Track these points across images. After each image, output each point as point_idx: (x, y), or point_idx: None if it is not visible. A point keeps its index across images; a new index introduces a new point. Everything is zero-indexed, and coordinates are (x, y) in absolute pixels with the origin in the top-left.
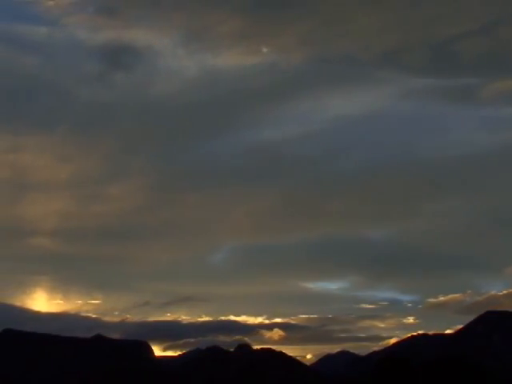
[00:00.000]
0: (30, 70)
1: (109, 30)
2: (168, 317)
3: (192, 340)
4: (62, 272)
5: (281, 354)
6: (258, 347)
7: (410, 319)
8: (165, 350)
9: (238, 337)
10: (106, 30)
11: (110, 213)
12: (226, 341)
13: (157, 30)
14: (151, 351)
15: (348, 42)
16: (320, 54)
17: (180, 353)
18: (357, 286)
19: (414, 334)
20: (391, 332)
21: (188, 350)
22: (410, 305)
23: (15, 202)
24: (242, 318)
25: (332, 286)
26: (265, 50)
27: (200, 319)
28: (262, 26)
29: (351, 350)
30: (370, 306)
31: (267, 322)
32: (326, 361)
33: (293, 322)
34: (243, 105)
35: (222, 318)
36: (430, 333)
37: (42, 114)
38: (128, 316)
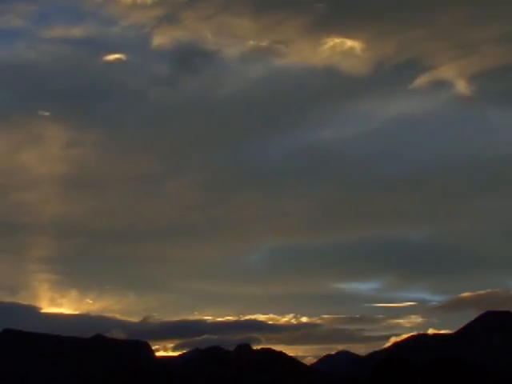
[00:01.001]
0: (102, 70)
1: (178, 32)
2: (194, 316)
3: (198, 339)
4: (99, 271)
5: (281, 353)
6: (258, 347)
7: (434, 319)
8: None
9: (258, 335)
10: (176, 32)
11: (160, 211)
12: (254, 338)
13: (224, 32)
14: (151, 351)
15: (410, 46)
16: (382, 57)
17: (180, 353)
18: (389, 286)
19: (414, 333)
20: (411, 331)
21: (188, 350)
22: (436, 304)
23: (67, 199)
24: (268, 317)
25: (364, 286)
26: (328, 51)
27: (224, 318)
28: (326, 27)
29: (351, 350)
30: (397, 306)
31: (294, 321)
32: (325, 361)
33: (318, 321)
34: (304, 105)
35: (250, 317)
36: (430, 333)
37: (110, 112)
38: (154, 315)
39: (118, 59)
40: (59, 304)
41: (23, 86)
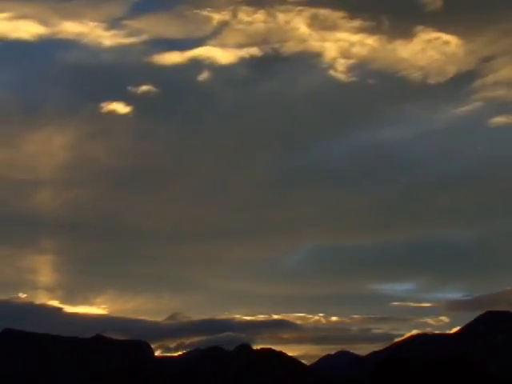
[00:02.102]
0: (181, 71)
1: (254, 37)
2: (224, 314)
3: (204, 338)
4: (137, 272)
5: (281, 353)
6: (258, 347)
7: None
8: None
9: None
10: (252, 37)
11: (209, 211)
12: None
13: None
14: (151, 351)
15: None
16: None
17: (180, 353)
18: (423, 287)
19: (414, 333)
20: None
21: (188, 350)
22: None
23: (117, 198)
24: (297, 317)
25: (398, 287)
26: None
27: (253, 317)
28: (381, 31)
29: (351, 350)
30: (427, 306)
31: (324, 321)
32: (325, 361)
33: (348, 321)
34: (365, 105)
35: (278, 316)
36: (430, 333)
37: (187, 111)
38: (182, 314)
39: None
40: (92, 303)
41: (94, 80)
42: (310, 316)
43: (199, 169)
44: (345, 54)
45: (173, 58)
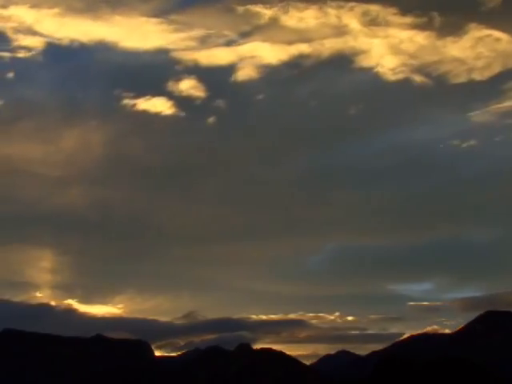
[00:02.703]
0: (226, 68)
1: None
2: (240, 314)
3: (212, 336)
4: (159, 272)
5: (281, 353)
6: (258, 347)
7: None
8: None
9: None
10: (302, 33)
11: (238, 210)
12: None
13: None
14: (151, 351)
15: None
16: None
17: (180, 353)
18: (441, 287)
19: (414, 333)
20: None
21: (188, 350)
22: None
23: (147, 196)
24: (312, 316)
25: (416, 287)
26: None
27: (268, 317)
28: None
29: (351, 350)
30: (442, 305)
31: (339, 321)
32: (325, 361)
33: (364, 320)
34: (405, 103)
35: (292, 315)
36: (430, 333)
37: (227, 108)
38: (194, 315)
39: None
40: (109, 303)
41: (135, 76)
42: (327, 315)
43: (228, 169)
44: (392, 51)
45: (218, 53)
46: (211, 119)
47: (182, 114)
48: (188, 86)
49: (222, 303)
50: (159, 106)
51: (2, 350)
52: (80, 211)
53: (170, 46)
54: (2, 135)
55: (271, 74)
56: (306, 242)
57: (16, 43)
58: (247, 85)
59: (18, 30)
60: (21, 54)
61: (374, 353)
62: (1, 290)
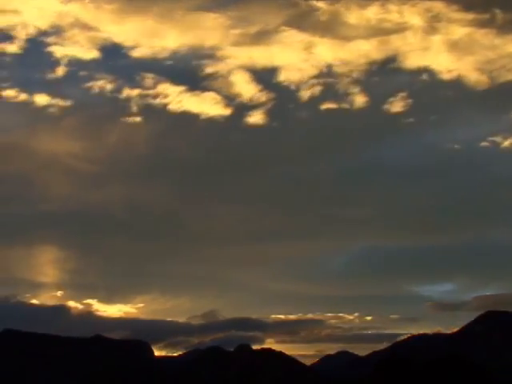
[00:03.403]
0: None
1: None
2: (259, 314)
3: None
4: (184, 273)
5: (281, 354)
6: (258, 347)
7: None
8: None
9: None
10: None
11: (266, 211)
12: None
13: None
14: (151, 351)
15: None
16: None
17: (180, 353)
18: (461, 288)
19: (415, 333)
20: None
21: (188, 350)
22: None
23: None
24: (330, 316)
25: (436, 288)
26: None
27: (285, 317)
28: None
29: (351, 350)
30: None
31: (358, 321)
32: (325, 361)
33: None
34: (451, 102)
35: (310, 315)
36: (430, 333)
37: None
38: (212, 316)
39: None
40: (129, 303)
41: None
42: (346, 316)
43: (257, 169)
44: (450, 49)
45: (272, 49)
46: (252, 119)
47: (228, 112)
48: (235, 83)
49: (243, 303)
50: (199, 103)
51: (2, 350)
52: (110, 210)
53: (224, 42)
54: (47, 131)
55: (324, 73)
56: (331, 242)
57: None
58: (295, 84)
59: (73, 25)
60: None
61: (373, 353)
62: (22, 290)
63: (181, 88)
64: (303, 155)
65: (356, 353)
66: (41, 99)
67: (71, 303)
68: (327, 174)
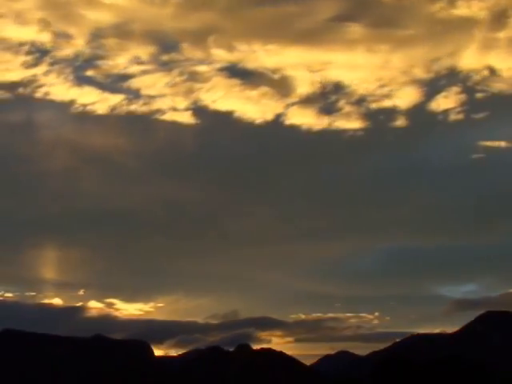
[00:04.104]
0: None
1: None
2: (276, 314)
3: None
4: (211, 273)
5: (281, 353)
6: (258, 347)
7: None
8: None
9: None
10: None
11: (294, 212)
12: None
13: None
14: (151, 351)
15: None
16: None
17: (180, 353)
18: (484, 288)
19: (414, 333)
20: None
21: (188, 349)
22: None
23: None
24: (347, 316)
25: (459, 288)
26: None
27: (304, 317)
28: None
29: (351, 350)
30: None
31: (377, 321)
32: (325, 361)
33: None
34: (501, 101)
35: (331, 315)
36: (430, 333)
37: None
38: (236, 315)
39: None
40: (148, 303)
41: None
42: (367, 315)
43: (296, 170)
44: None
45: None
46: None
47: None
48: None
49: (265, 303)
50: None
51: (2, 350)
52: (147, 209)
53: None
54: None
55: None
56: (357, 243)
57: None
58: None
59: None
60: None
61: (374, 353)
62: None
63: (227, 87)
64: (342, 155)
65: (356, 353)
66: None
67: (92, 303)
68: (363, 175)
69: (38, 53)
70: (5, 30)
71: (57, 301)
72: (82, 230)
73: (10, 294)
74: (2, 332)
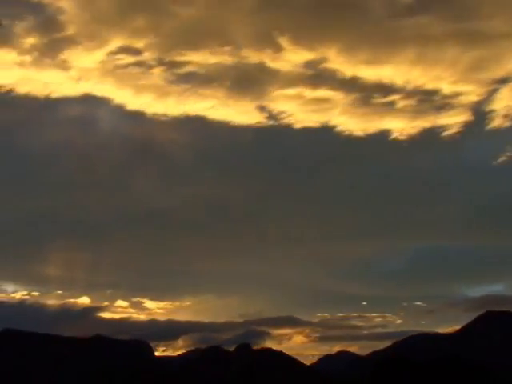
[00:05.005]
0: None
1: None
2: (292, 312)
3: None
4: (237, 272)
5: (281, 353)
6: (258, 347)
7: None
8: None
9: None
10: None
11: (318, 213)
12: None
13: None
14: (151, 351)
15: None
16: None
17: (180, 353)
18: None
19: (415, 333)
20: None
21: (188, 350)
22: None
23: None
24: (370, 316)
25: (487, 289)
26: None
27: (321, 316)
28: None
29: (351, 350)
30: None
31: (400, 321)
32: (325, 361)
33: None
34: None
35: (354, 314)
36: (430, 333)
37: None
38: (260, 315)
39: None
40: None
41: None
42: (391, 315)
43: (329, 170)
44: None
45: None
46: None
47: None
48: None
49: (289, 302)
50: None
51: (2, 350)
52: (184, 209)
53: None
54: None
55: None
56: (387, 243)
57: None
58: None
59: None
60: None
61: (373, 353)
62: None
63: None
64: (377, 156)
65: (356, 353)
66: None
67: (120, 302)
68: (397, 176)
69: None
70: None
71: (84, 300)
72: (119, 230)
73: (36, 293)
74: (1, 332)
